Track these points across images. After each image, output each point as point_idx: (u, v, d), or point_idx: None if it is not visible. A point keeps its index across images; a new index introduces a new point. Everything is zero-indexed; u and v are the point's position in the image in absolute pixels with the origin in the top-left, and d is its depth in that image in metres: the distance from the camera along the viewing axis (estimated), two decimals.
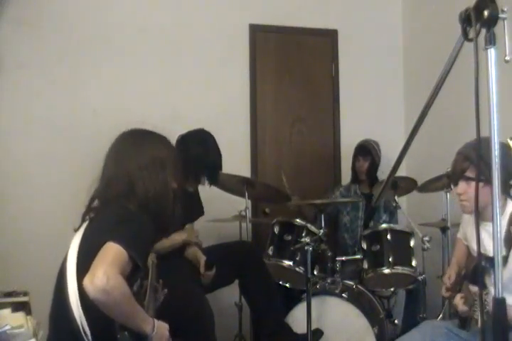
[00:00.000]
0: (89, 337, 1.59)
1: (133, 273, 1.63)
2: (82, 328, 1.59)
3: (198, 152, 2.94)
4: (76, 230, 1.81)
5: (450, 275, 2.31)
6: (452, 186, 2.45)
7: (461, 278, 2.27)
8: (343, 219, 3.85)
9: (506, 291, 1.19)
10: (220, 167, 3.06)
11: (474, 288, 2.06)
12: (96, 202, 1.86)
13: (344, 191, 3.92)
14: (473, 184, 2.12)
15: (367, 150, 3.82)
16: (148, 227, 1.74)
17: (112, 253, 1.55)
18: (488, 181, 1.21)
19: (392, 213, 3.80)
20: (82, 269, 1.58)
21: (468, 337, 2.14)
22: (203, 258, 2.87)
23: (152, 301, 1.80)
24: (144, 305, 1.71)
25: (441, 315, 3.12)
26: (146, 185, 1.81)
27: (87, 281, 1.50)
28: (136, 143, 1.91)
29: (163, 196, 1.84)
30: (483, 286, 1.90)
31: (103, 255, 1.55)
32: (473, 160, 2.11)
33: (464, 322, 2.15)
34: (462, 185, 2.17)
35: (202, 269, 2.86)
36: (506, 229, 2.04)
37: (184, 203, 2.01)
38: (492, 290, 1.20)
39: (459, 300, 2.12)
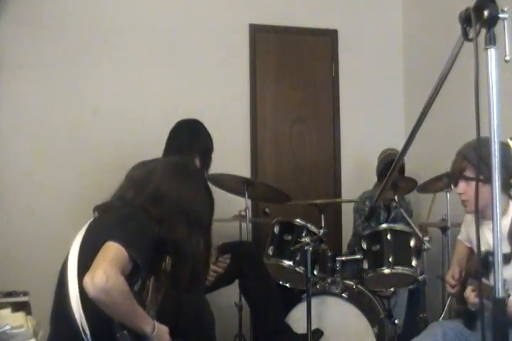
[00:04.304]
0: (89, 337, 1.59)
1: (133, 273, 1.63)
2: (82, 328, 1.59)
3: (189, 134, 2.98)
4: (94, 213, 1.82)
5: (453, 274, 2.31)
6: (453, 186, 2.45)
7: (464, 276, 2.27)
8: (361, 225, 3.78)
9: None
10: (211, 148, 3.03)
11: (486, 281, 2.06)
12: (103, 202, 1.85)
13: (369, 196, 3.69)
14: (472, 183, 2.13)
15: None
16: (150, 227, 1.73)
17: (112, 253, 1.55)
18: (488, 180, 1.21)
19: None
20: (83, 269, 1.58)
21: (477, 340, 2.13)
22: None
23: (153, 302, 1.80)
24: (145, 305, 1.71)
25: (442, 316, 3.11)
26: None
27: (86, 280, 1.50)
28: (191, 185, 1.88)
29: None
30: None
31: (103, 254, 1.55)
32: (471, 160, 2.12)
33: (470, 321, 2.14)
34: (462, 185, 2.20)
35: (213, 258, 2.77)
36: (510, 226, 2.04)
37: None
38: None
39: (470, 293, 2.09)
